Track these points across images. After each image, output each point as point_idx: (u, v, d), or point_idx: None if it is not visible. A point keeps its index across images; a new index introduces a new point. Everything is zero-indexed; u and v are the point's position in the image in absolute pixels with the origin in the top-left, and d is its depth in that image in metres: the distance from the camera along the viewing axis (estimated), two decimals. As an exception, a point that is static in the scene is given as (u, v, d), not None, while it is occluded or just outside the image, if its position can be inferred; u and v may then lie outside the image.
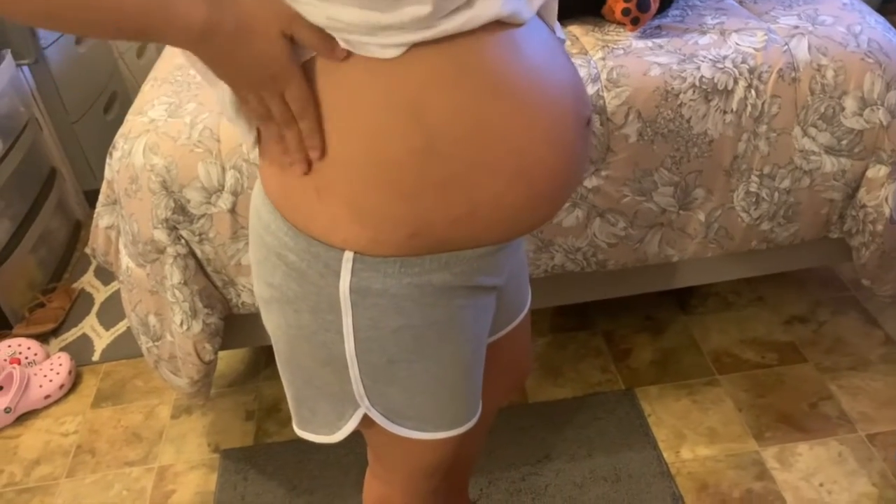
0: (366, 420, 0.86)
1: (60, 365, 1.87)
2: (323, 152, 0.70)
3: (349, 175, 0.70)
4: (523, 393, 1.72)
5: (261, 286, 0.82)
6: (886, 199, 1.46)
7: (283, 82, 0.67)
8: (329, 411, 0.87)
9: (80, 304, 2.14)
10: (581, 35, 1.53)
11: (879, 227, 1.47)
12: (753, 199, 1.49)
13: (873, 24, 1.49)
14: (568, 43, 1.50)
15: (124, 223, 1.46)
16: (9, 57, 2.14)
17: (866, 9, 1.56)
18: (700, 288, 1.92)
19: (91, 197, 2.48)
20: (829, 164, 1.46)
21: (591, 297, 1.70)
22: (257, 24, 0.65)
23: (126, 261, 1.50)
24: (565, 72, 0.75)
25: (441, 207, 0.70)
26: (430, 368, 0.82)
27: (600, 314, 1.90)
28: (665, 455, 1.54)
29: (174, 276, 1.42)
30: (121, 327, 2.03)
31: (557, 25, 0.84)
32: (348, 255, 0.73)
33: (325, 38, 0.66)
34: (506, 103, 0.69)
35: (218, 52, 0.66)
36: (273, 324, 0.84)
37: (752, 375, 1.69)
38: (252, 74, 0.67)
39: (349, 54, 0.66)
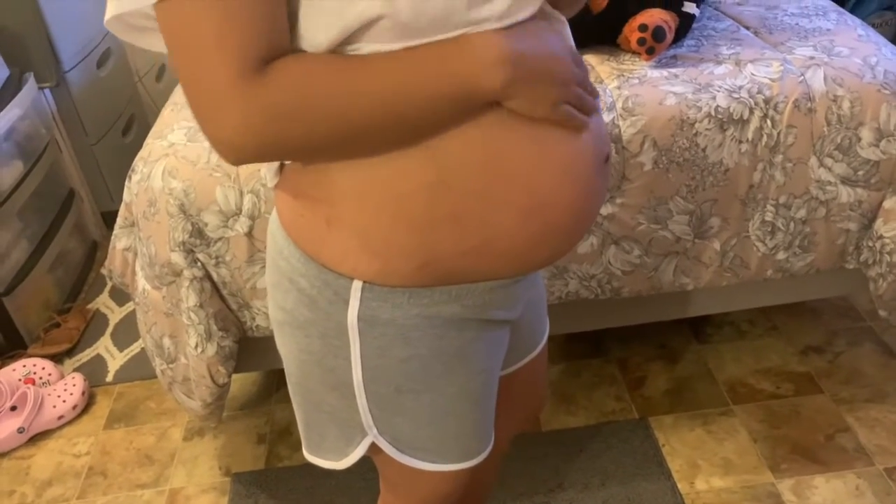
0: (374, 448, 0.86)
1: (74, 385, 1.87)
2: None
3: (360, 206, 0.70)
4: (536, 421, 1.71)
5: (275, 309, 0.83)
6: (903, 230, 1.45)
7: (568, 79, 0.70)
8: (338, 437, 0.87)
9: (94, 325, 2.15)
10: (597, 64, 1.54)
11: (896, 258, 1.47)
12: (769, 229, 1.48)
13: (889, 55, 1.49)
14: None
15: (141, 245, 1.47)
16: (31, 80, 2.18)
17: (882, 40, 1.56)
18: (715, 317, 1.92)
19: (108, 218, 2.50)
20: (845, 194, 1.46)
21: (605, 325, 1.70)
22: (550, 49, 0.69)
23: (142, 283, 1.51)
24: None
25: (452, 241, 0.71)
26: (437, 400, 0.81)
27: (614, 342, 1.89)
28: (679, 486, 1.52)
29: (190, 298, 1.43)
30: (135, 348, 2.04)
31: None
32: (357, 284, 0.74)
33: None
34: (520, 138, 0.69)
35: (522, 92, 0.67)
36: (285, 347, 0.84)
37: (768, 406, 1.67)
38: (552, 90, 0.69)
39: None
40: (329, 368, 0.80)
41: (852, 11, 2.84)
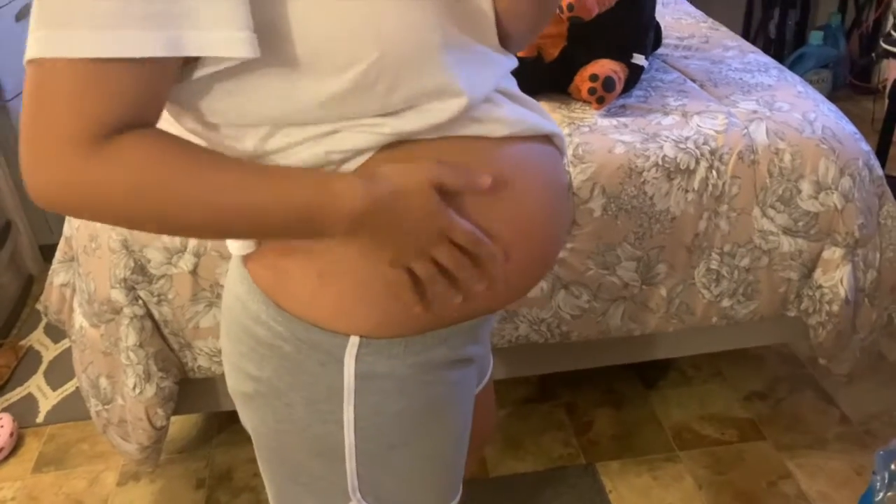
0: None
1: (2, 427, 1.78)
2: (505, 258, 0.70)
3: (356, 255, 0.68)
4: (483, 466, 1.69)
5: (241, 380, 0.78)
6: (842, 281, 1.50)
7: (449, 230, 0.67)
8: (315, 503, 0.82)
9: (27, 362, 2.06)
10: (549, 111, 1.56)
11: (835, 308, 1.51)
12: (714, 276, 1.51)
13: (826, 111, 1.55)
14: (536, 118, 1.54)
15: (81, 281, 1.42)
16: (-29, 108, 2.12)
17: (820, 97, 1.63)
18: (661, 361, 1.93)
19: (46, 251, 2.42)
20: (786, 244, 1.50)
21: (554, 369, 1.70)
22: (410, 184, 0.64)
23: (80, 320, 1.46)
24: (555, 145, 0.78)
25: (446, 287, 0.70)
26: (425, 449, 0.79)
27: (563, 386, 1.89)
28: (626, 533, 1.51)
29: (130, 337, 1.38)
30: (69, 387, 1.96)
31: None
32: (354, 340, 0.71)
33: (468, 172, 0.67)
34: (503, 170, 0.70)
35: (383, 225, 0.64)
36: (257, 420, 0.79)
37: (712, 452, 1.69)
38: (420, 237, 0.66)
39: (492, 180, 0.68)
40: (313, 436, 0.75)
41: (791, 68, 2.96)
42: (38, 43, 0.55)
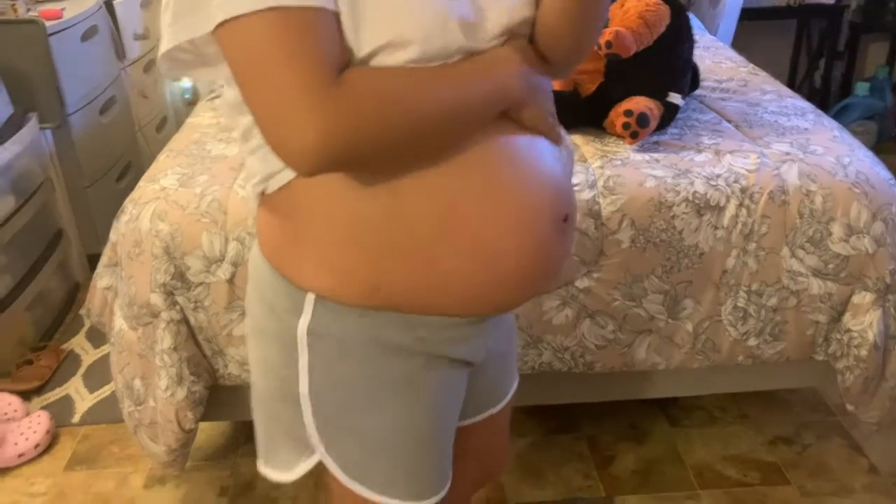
0: (327, 470, 0.87)
1: (39, 423, 1.85)
2: None
3: (320, 227, 0.76)
4: (502, 493, 1.69)
5: (248, 320, 0.89)
6: (871, 325, 1.49)
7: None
8: (290, 450, 0.88)
9: (67, 365, 2.14)
10: (582, 144, 1.60)
11: (864, 353, 1.49)
12: (741, 314, 1.51)
13: (862, 157, 1.56)
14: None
15: (122, 285, 1.49)
16: (34, 120, 2.23)
17: (856, 143, 1.63)
18: (686, 401, 1.92)
19: (94, 261, 2.50)
20: (815, 286, 1.50)
21: (576, 399, 1.70)
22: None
23: (119, 322, 1.52)
24: (546, 166, 0.79)
25: (402, 273, 0.75)
26: (384, 425, 0.83)
27: (586, 418, 1.89)
28: (641, 568, 1.50)
29: (165, 340, 1.43)
30: (105, 391, 2.02)
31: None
32: (310, 297, 0.78)
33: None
34: (474, 189, 0.73)
35: (532, 101, 0.77)
36: (251, 357, 0.89)
37: (734, 493, 1.67)
38: (547, 103, 0.80)
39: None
40: (282, 378, 0.83)
41: (835, 119, 2.95)
42: (234, 4, 0.62)
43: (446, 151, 0.72)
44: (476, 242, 0.74)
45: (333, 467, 0.85)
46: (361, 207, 0.73)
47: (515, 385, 1.06)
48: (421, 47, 0.68)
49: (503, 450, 1.14)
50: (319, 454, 0.85)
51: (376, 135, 0.66)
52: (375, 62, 0.68)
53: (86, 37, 2.41)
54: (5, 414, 1.89)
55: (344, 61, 0.66)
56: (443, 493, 0.89)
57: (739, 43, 2.96)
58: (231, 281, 1.43)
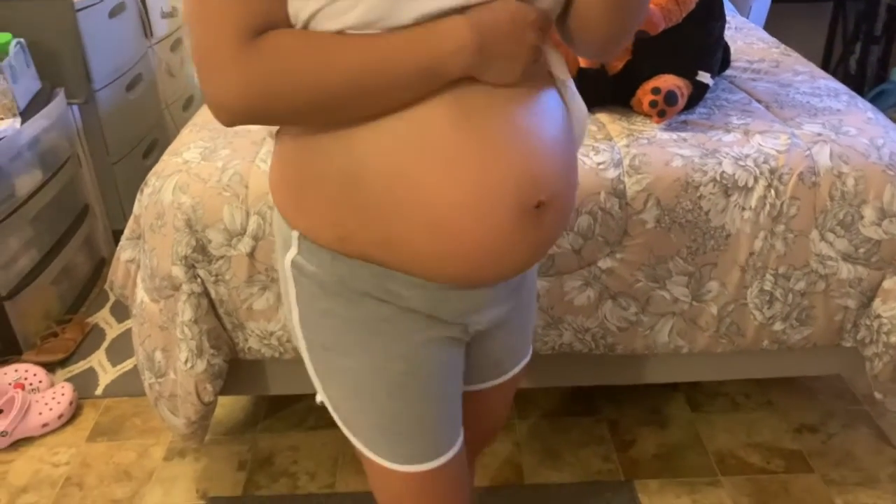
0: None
1: (63, 395, 1.87)
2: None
3: (297, 177, 0.80)
4: (519, 472, 1.68)
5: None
6: (902, 312, 1.45)
7: (534, 24, 0.74)
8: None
9: (91, 338, 2.16)
10: (608, 122, 1.57)
11: (893, 339, 1.46)
12: (767, 298, 1.48)
13: (896, 138, 1.51)
14: (594, 128, 1.54)
15: (145, 257, 1.49)
16: (61, 95, 2.24)
17: (891, 125, 1.59)
18: (709, 386, 1.90)
19: (119, 237, 2.53)
20: (845, 270, 1.46)
21: (597, 381, 1.69)
22: (500, 16, 0.72)
23: (141, 294, 1.53)
24: (521, 144, 0.75)
25: (361, 228, 0.77)
26: (362, 366, 0.85)
27: (607, 402, 1.87)
28: (659, 552, 1.48)
29: (186, 313, 1.44)
30: (127, 365, 2.04)
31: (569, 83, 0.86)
32: (295, 234, 0.83)
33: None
34: (432, 160, 0.72)
35: (491, 43, 0.71)
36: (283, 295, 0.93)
37: (756, 480, 1.64)
38: (522, 42, 0.73)
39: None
40: (289, 309, 0.88)
41: (871, 102, 2.88)
42: None
43: (406, 117, 0.72)
44: (429, 216, 0.74)
45: (330, 408, 0.90)
46: (322, 163, 0.76)
47: (526, 360, 1.06)
48: (361, 10, 0.68)
49: (501, 419, 1.16)
50: (320, 395, 0.90)
51: (286, 96, 0.70)
52: (316, 23, 0.70)
53: (113, 13, 2.42)
54: (30, 384, 1.91)
55: (276, 21, 0.70)
56: (434, 465, 0.88)
57: (771, 26, 2.90)
58: (252, 255, 1.42)
